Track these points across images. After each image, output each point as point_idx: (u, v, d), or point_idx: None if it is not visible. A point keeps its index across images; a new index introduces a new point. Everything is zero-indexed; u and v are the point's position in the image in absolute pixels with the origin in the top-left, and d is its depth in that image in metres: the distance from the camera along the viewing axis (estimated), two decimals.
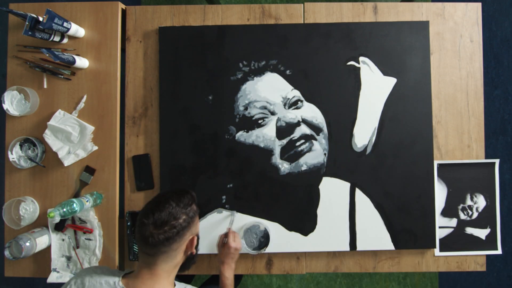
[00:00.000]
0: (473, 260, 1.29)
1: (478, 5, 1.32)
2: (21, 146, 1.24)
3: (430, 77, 1.28)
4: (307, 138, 1.25)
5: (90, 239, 1.23)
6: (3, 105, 1.20)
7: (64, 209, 1.09)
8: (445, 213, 1.29)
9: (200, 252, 1.25)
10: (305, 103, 1.27)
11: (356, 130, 1.27)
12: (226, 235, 1.15)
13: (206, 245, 1.25)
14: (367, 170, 1.26)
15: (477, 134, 1.30)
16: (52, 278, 1.22)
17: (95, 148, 1.25)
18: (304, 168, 1.26)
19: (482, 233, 1.29)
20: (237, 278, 1.79)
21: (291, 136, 1.25)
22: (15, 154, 1.22)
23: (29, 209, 1.22)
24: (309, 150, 1.26)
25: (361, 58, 1.28)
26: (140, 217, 0.87)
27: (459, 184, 1.29)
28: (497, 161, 1.29)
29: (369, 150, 1.27)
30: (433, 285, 2.05)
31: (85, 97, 1.26)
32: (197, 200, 1.24)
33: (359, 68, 1.28)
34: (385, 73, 1.28)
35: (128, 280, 0.88)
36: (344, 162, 1.26)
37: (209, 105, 1.28)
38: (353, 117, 1.27)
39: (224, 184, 1.26)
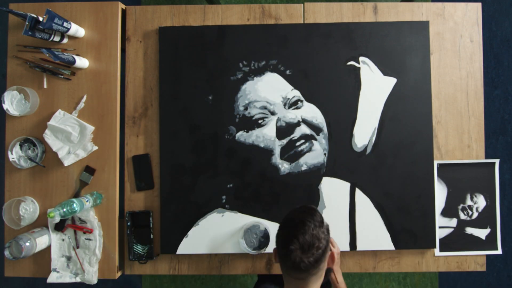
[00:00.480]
0: (473, 260, 1.29)
1: (478, 5, 1.32)
2: (21, 146, 1.24)
3: (430, 77, 1.28)
4: (307, 138, 1.25)
5: (90, 239, 1.23)
6: (3, 105, 1.20)
7: (64, 209, 1.09)
8: (445, 213, 1.29)
9: (199, 252, 1.25)
10: (305, 103, 1.27)
11: (356, 130, 1.27)
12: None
13: (206, 245, 1.25)
14: (367, 170, 1.26)
15: (477, 134, 1.30)
16: (52, 278, 1.22)
17: (95, 148, 1.25)
18: (304, 168, 1.26)
19: (482, 233, 1.29)
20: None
21: (291, 136, 1.25)
22: (15, 154, 1.22)
23: (29, 209, 1.22)
24: (309, 150, 1.26)
25: (361, 58, 1.28)
26: (283, 243, 0.86)
27: (459, 184, 1.29)
28: (497, 161, 1.29)
29: (369, 150, 1.27)
30: (433, 285, 2.05)
31: (85, 97, 1.26)
32: (197, 200, 1.24)
33: (359, 68, 1.28)
34: (385, 73, 1.28)
35: None
36: (344, 162, 1.26)
37: (209, 105, 1.28)
38: (353, 117, 1.27)
39: (224, 184, 1.26)
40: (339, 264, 1.15)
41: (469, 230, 1.29)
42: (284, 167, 1.26)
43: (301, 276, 0.85)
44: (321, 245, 0.84)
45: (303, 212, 0.90)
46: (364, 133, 1.27)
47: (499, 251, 1.29)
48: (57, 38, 1.21)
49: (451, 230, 1.28)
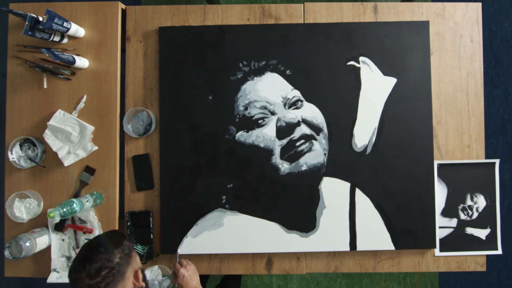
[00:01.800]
0: (473, 260, 1.29)
1: (478, 5, 1.32)
2: (21, 146, 1.24)
3: (430, 77, 1.28)
4: (307, 138, 1.25)
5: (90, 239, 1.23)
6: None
7: (64, 209, 1.09)
8: (445, 213, 1.28)
9: (199, 252, 1.25)
10: (305, 103, 1.27)
11: (356, 130, 1.27)
12: (175, 274, 1.11)
13: (206, 245, 1.25)
14: (367, 170, 1.26)
15: (477, 134, 1.30)
16: (52, 278, 1.22)
17: (95, 148, 1.25)
18: (304, 168, 1.26)
19: (482, 233, 1.29)
20: (237, 279, 1.78)
21: (291, 136, 1.25)
22: (15, 154, 1.22)
23: (33, 203, 1.22)
24: (309, 150, 1.25)
25: (361, 58, 1.28)
26: (70, 274, 0.81)
27: (459, 184, 1.29)
28: (497, 161, 1.29)
29: (369, 150, 1.27)
30: (433, 285, 2.05)
31: (85, 97, 1.26)
32: (197, 200, 1.24)
33: (359, 68, 1.28)
34: (385, 73, 1.28)
35: None
36: (344, 162, 1.26)
37: (209, 105, 1.28)
38: (353, 117, 1.27)
39: (224, 184, 1.26)
40: (192, 275, 1.10)
41: (469, 230, 1.28)
42: (284, 167, 1.25)
43: None
44: (114, 265, 0.81)
45: (99, 237, 0.89)
46: (364, 133, 1.27)
47: (499, 251, 1.29)
48: (57, 38, 1.21)
49: (451, 230, 1.28)
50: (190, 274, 1.09)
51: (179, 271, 1.08)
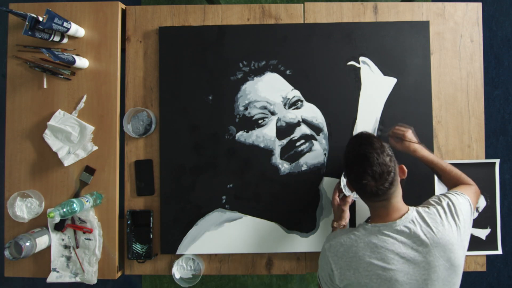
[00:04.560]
0: (473, 260, 1.29)
1: (479, 5, 1.32)
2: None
3: (430, 77, 1.28)
4: (307, 138, 1.25)
5: (90, 239, 1.23)
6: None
7: (64, 209, 1.09)
8: None
9: (199, 252, 1.25)
10: (305, 103, 1.27)
11: (356, 130, 1.27)
12: (393, 133, 1.19)
13: (206, 245, 1.25)
14: None
15: (477, 134, 1.30)
16: (52, 278, 1.22)
17: (95, 148, 1.25)
18: (304, 168, 1.25)
19: (482, 233, 1.28)
20: None
21: (291, 136, 1.25)
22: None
23: (34, 202, 1.22)
24: (309, 150, 1.25)
25: (361, 58, 1.28)
26: (355, 180, 0.91)
27: None
28: (497, 161, 1.29)
29: None
30: None
31: (85, 97, 1.26)
32: (197, 200, 1.24)
33: (359, 68, 1.28)
34: (385, 73, 1.28)
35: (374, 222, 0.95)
36: None
37: (209, 105, 1.28)
38: (353, 117, 1.27)
39: (224, 184, 1.26)
40: (414, 145, 1.15)
41: None
42: (284, 167, 1.25)
43: (382, 198, 0.91)
44: (390, 169, 0.89)
45: (362, 144, 0.93)
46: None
47: (499, 251, 1.28)
48: (57, 38, 1.21)
49: None
50: (413, 136, 1.16)
51: (406, 136, 1.15)
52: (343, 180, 1.16)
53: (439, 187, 1.28)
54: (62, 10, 1.27)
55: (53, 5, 1.26)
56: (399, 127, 1.19)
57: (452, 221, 0.92)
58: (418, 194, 1.26)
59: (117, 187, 1.26)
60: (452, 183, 1.12)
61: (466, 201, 0.98)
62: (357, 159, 0.92)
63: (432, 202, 0.98)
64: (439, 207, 0.94)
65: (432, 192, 1.26)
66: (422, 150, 1.14)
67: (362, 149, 0.91)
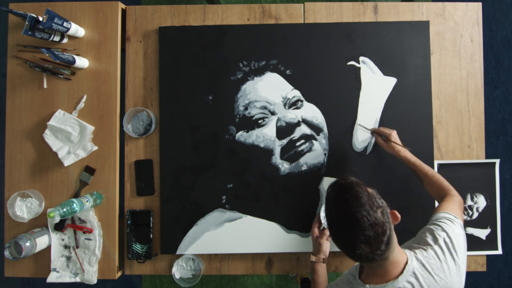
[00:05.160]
0: (473, 260, 1.29)
1: (479, 5, 1.32)
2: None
3: (430, 77, 1.28)
4: (307, 138, 1.25)
5: (90, 239, 1.23)
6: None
7: (64, 209, 1.09)
8: None
9: (198, 252, 1.25)
10: (305, 103, 1.27)
11: (356, 130, 1.27)
12: (378, 133, 1.21)
13: (206, 245, 1.25)
14: (367, 170, 1.26)
15: (477, 134, 1.30)
16: (52, 278, 1.22)
17: (95, 148, 1.25)
18: (304, 168, 1.25)
19: (482, 233, 1.28)
20: None
21: (291, 136, 1.25)
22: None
23: (34, 202, 1.22)
24: (309, 150, 1.25)
25: (361, 58, 1.28)
26: (346, 248, 0.79)
27: (459, 184, 1.28)
28: (497, 161, 1.29)
29: (369, 150, 1.27)
30: None
31: (85, 97, 1.26)
32: (197, 200, 1.24)
33: (359, 68, 1.28)
34: (385, 73, 1.28)
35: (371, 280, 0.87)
36: (344, 162, 1.26)
37: (209, 105, 1.28)
38: (353, 117, 1.27)
39: (224, 184, 1.26)
40: (399, 146, 1.14)
41: (470, 230, 1.28)
42: (284, 167, 1.25)
43: (379, 260, 0.80)
44: (385, 227, 0.76)
45: (346, 200, 0.78)
46: (364, 133, 1.27)
47: (499, 251, 1.28)
48: (57, 38, 1.21)
49: None
50: (397, 137, 1.17)
51: (391, 135, 1.16)
52: (323, 211, 1.14)
53: None
54: (62, 10, 1.27)
55: (53, 5, 1.26)
56: (383, 128, 1.20)
57: (451, 260, 0.87)
58: (418, 195, 1.26)
59: (117, 187, 1.26)
60: (433, 190, 1.09)
61: (459, 228, 0.93)
62: (344, 222, 0.78)
63: (429, 241, 0.90)
64: (436, 248, 0.88)
65: None
66: (406, 152, 1.14)
67: (348, 208, 0.77)
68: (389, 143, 1.16)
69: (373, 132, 1.23)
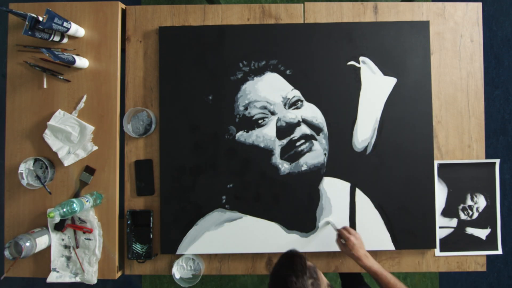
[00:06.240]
0: (473, 260, 1.29)
1: (479, 5, 1.32)
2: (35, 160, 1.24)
3: (430, 77, 1.28)
4: (307, 138, 1.25)
5: (90, 239, 1.23)
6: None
7: (64, 209, 1.09)
8: (446, 213, 1.28)
9: (198, 252, 1.25)
10: (305, 103, 1.27)
11: (356, 130, 1.27)
12: (339, 236, 1.15)
13: (206, 245, 1.25)
14: (367, 170, 1.26)
15: (477, 134, 1.30)
16: (52, 278, 1.22)
17: (95, 148, 1.25)
18: (304, 168, 1.25)
19: (482, 233, 1.28)
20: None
21: (291, 136, 1.25)
22: (23, 167, 1.22)
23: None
24: (309, 150, 1.25)
25: (361, 58, 1.28)
26: None
27: (459, 184, 1.29)
28: (497, 161, 1.29)
29: (369, 150, 1.27)
30: (433, 285, 2.05)
31: (85, 97, 1.26)
32: (197, 200, 1.24)
33: (359, 68, 1.28)
34: (385, 73, 1.28)
35: None
36: (344, 162, 1.26)
37: (209, 105, 1.28)
38: (353, 117, 1.27)
39: (224, 184, 1.26)
40: (363, 248, 1.11)
41: (470, 230, 1.28)
42: (284, 167, 1.25)
43: None
44: None
45: (282, 265, 0.86)
46: (364, 133, 1.27)
47: (499, 251, 1.28)
48: (57, 38, 1.21)
49: (451, 230, 1.28)
50: (359, 243, 1.12)
51: (349, 240, 1.11)
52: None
53: (439, 187, 1.28)
54: (62, 10, 1.27)
55: (53, 5, 1.26)
56: (346, 230, 1.15)
57: None
58: (418, 194, 1.26)
59: (117, 187, 1.26)
60: None
61: None
62: (275, 282, 0.84)
63: None
64: None
65: (431, 194, 1.26)
66: (367, 259, 1.09)
67: (282, 270, 0.83)
68: (347, 248, 1.11)
69: (337, 232, 1.17)
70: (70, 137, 1.23)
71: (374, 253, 1.28)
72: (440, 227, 1.28)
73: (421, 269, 1.29)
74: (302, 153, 1.25)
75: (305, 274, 0.81)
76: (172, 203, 1.26)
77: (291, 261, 0.84)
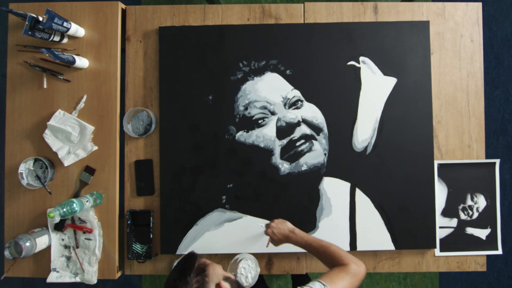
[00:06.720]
0: (473, 260, 1.29)
1: (479, 5, 1.32)
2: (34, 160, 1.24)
3: (430, 77, 1.28)
4: (307, 138, 1.25)
5: (90, 239, 1.23)
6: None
7: (64, 209, 1.09)
8: (446, 213, 1.28)
9: (199, 252, 1.25)
10: (305, 103, 1.27)
11: (356, 130, 1.27)
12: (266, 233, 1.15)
13: (206, 245, 1.25)
14: (367, 170, 1.26)
15: (477, 134, 1.30)
16: (52, 278, 1.22)
17: (95, 148, 1.25)
18: (304, 168, 1.25)
19: (482, 233, 1.28)
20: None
21: (291, 136, 1.25)
22: (23, 167, 1.22)
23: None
24: (309, 150, 1.25)
25: (361, 58, 1.28)
26: None
27: (459, 184, 1.29)
28: (497, 161, 1.29)
29: (369, 150, 1.27)
30: (433, 285, 2.05)
31: (85, 97, 1.26)
32: (197, 200, 1.23)
33: (359, 68, 1.28)
34: (385, 73, 1.28)
35: None
36: (344, 162, 1.26)
37: (209, 105, 1.28)
38: (353, 117, 1.27)
39: (224, 184, 1.26)
40: (286, 229, 1.10)
41: (470, 230, 1.28)
42: (284, 167, 1.25)
43: None
44: None
45: (174, 271, 0.84)
46: (364, 133, 1.27)
47: (499, 251, 1.28)
48: (57, 38, 1.21)
49: (451, 230, 1.28)
50: (278, 226, 1.12)
51: (268, 229, 1.12)
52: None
53: (439, 187, 1.28)
54: (62, 10, 1.27)
55: (53, 5, 1.26)
56: (267, 225, 1.15)
57: None
58: (418, 194, 1.26)
59: (117, 187, 1.26)
60: (329, 262, 1.01)
61: None
62: (165, 285, 0.83)
63: None
64: None
65: (432, 194, 1.26)
66: (294, 235, 1.08)
67: (171, 273, 0.83)
68: (275, 239, 1.11)
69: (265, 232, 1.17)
70: (70, 137, 1.23)
71: (374, 253, 1.28)
72: (440, 227, 1.28)
73: (421, 269, 1.29)
74: (302, 153, 1.25)
75: (189, 275, 0.80)
76: (172, 203, 1.26)
77: (182, 263, 0.84)
